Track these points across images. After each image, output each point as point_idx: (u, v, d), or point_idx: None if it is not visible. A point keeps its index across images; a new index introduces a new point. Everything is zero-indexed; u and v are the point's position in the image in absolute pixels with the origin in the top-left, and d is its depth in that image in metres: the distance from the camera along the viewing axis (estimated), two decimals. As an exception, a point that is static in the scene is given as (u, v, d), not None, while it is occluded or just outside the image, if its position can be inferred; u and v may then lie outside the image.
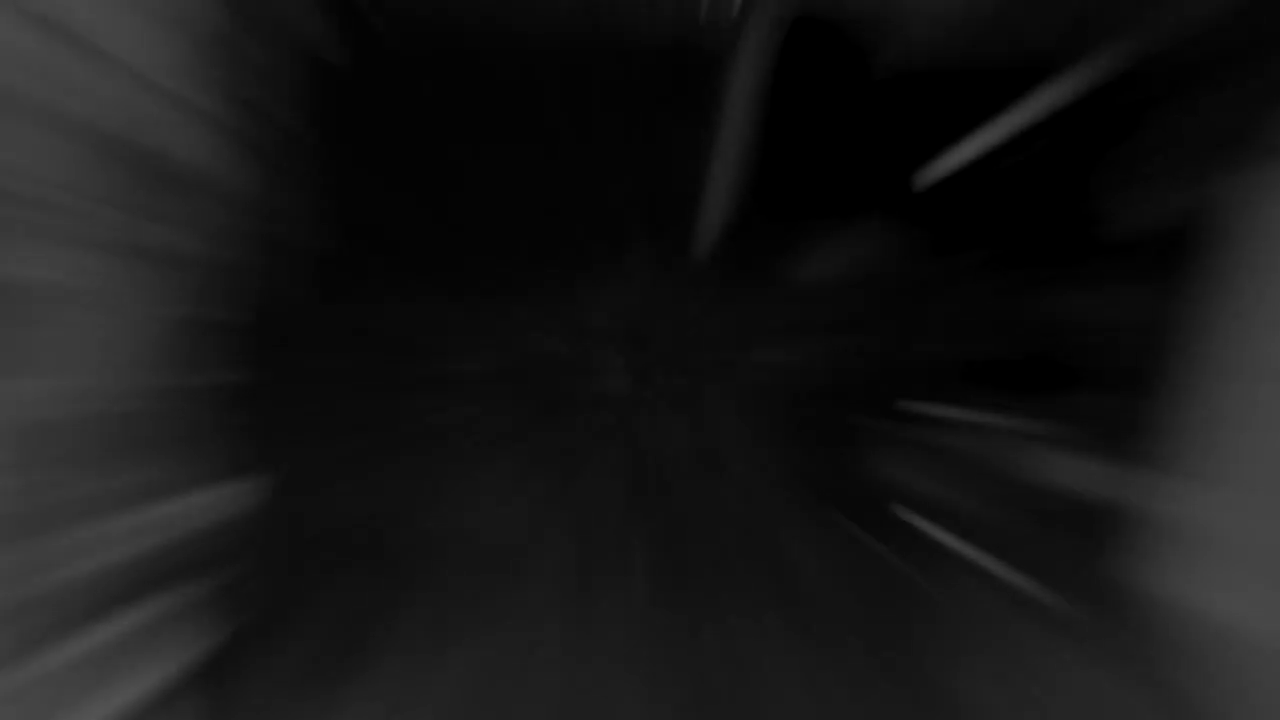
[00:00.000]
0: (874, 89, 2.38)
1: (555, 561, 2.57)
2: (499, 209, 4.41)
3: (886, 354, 3.13)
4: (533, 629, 2.58)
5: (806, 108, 3.52)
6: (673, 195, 4.30)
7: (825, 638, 2.61)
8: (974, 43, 2.51)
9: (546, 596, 2.59)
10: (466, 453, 2.91)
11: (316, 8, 3.16)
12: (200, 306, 2.60)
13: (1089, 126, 2.81)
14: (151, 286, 2.33)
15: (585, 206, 4.36)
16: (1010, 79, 2.69)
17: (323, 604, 2.57)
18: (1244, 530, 2.20)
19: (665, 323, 3.57)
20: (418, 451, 2.92)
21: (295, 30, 3.05)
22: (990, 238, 3.28)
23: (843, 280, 3.59)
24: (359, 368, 3.23)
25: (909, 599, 2.67)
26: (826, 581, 2.62)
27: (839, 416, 2.86)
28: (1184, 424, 2.18)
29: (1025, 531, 2.68)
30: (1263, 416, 2.12)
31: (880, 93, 2.39)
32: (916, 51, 2.44)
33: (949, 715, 2.60)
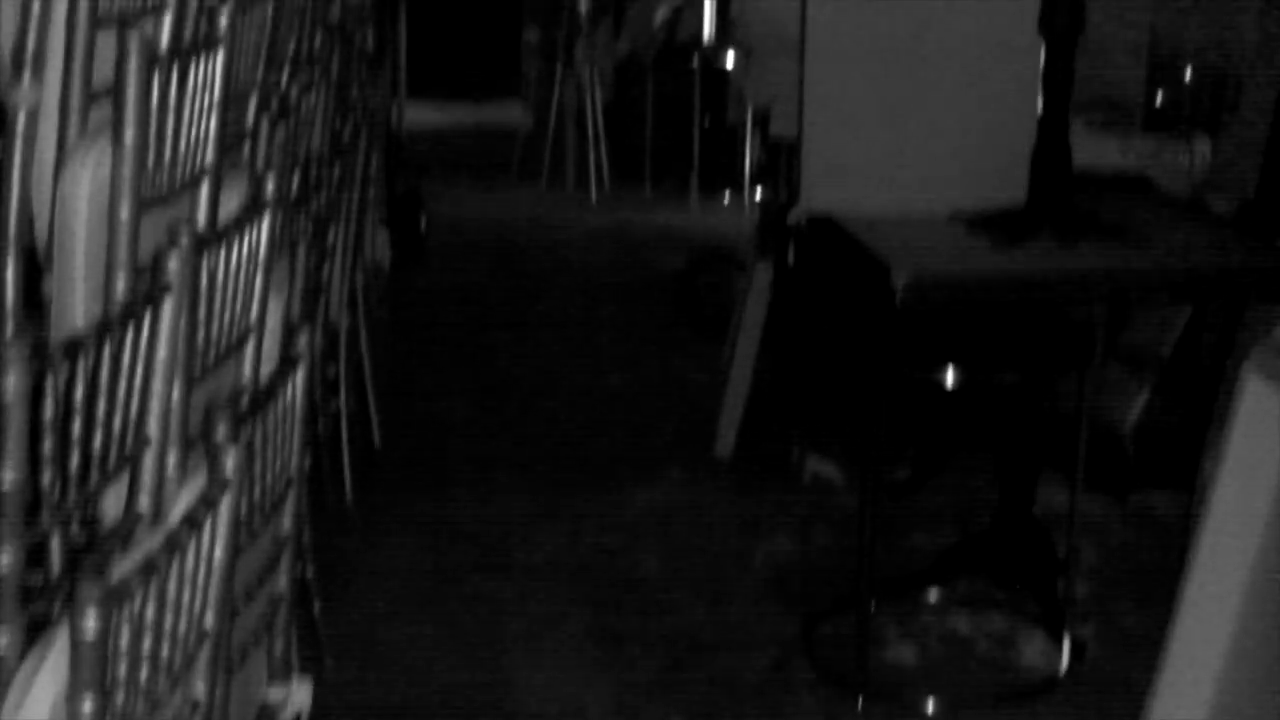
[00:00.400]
0: (889, 308, 2.78)
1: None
2: (547, 414, 4.96)
3: (889, 543, 3.61)
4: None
5: (824, 321, 4.04)
6: (698, 403, 4.85)
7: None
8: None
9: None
10: (524, 631, 3.37)
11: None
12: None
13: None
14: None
15: (622, 413, 4.92)
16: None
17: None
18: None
19: (691, 514, 4.10)
20: (481, 631, 3.38)
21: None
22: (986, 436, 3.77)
23: (850, 477, 4.11)
24: (427, 555, 3.71)
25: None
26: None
27: (846, 600, 3.33)
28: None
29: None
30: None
31: (894, 311, 2.80)
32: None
33: None
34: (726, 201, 7.98)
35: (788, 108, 3.69)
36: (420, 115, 9.49)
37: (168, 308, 1.52)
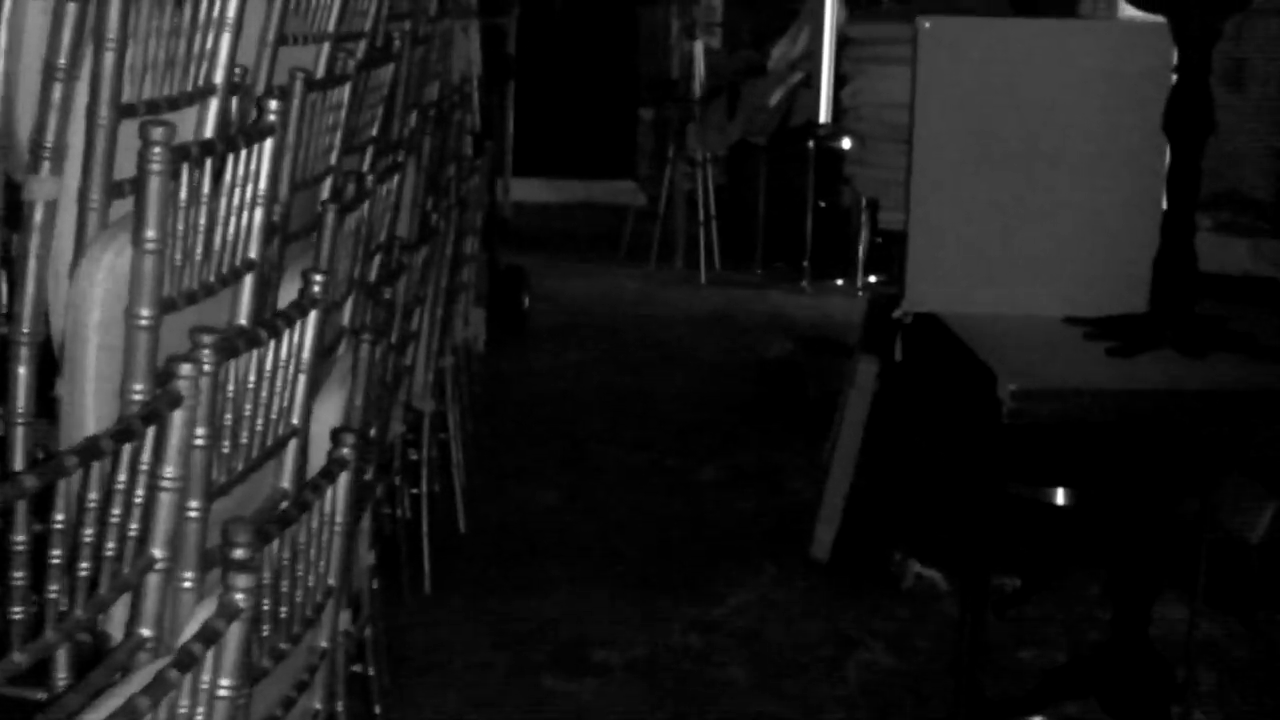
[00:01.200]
0: (995, 419, 2.59)
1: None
2: (639, 505, 4.80)
3: (993, 659, 3.40)
4: None
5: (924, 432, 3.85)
6: (796, 499, 4.66)
7: None
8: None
9: None
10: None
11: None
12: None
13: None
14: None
15: (716, 507, 4.74)
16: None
17: None
18: None
19: (783, 618, 3.91)
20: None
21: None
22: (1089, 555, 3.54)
23: (956, 584, 3.89)
24: (503, 651, 3.56)
25: None
26: None
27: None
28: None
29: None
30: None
31: (1000, 423, 2.61)
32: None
33: None
34: (839, 286, 7.81)
35: (898, 197, 3.53)
36: (532, 192, 9.45)
37: (177, 420, 1.39)
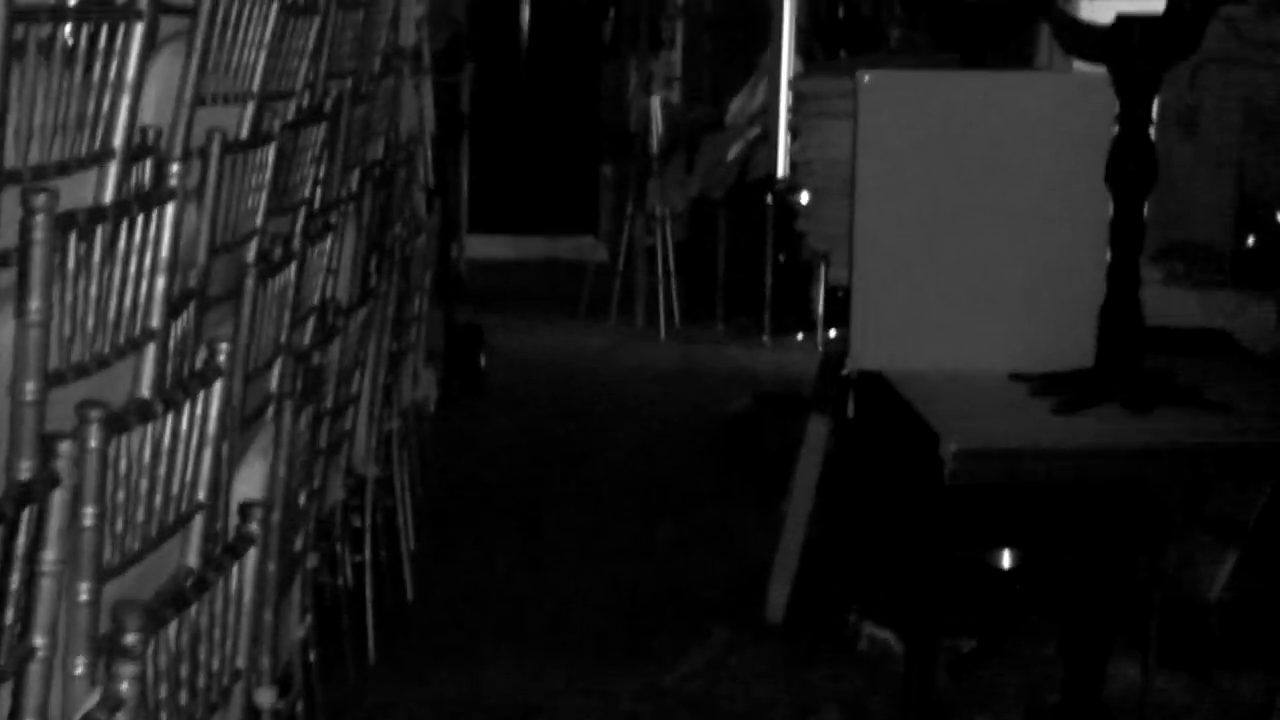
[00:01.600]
0: (938, 480, 2.53)
1: None
2: (591, 569, 4.72)
3: None
4: None
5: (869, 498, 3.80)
6: (750, 559, 4.59)
7: None
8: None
9: None
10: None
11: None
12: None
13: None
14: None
15: (670, 569, 4.66)
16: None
17: None
18: None
19: (736, 683, 3.83)
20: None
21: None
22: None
23: (896, 645, 3.83)
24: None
25: None
26: None
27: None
28: None
29: None
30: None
31: (943, 485, 2.55)
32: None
33: None
34: (800, 341, 7.76)
35: (846, 253, 3.49)
36: (493, 248, 9.40)
37: (57, 501, 1.33)
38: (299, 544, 2.60)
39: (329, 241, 2.94)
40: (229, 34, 2.28)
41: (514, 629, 4.12)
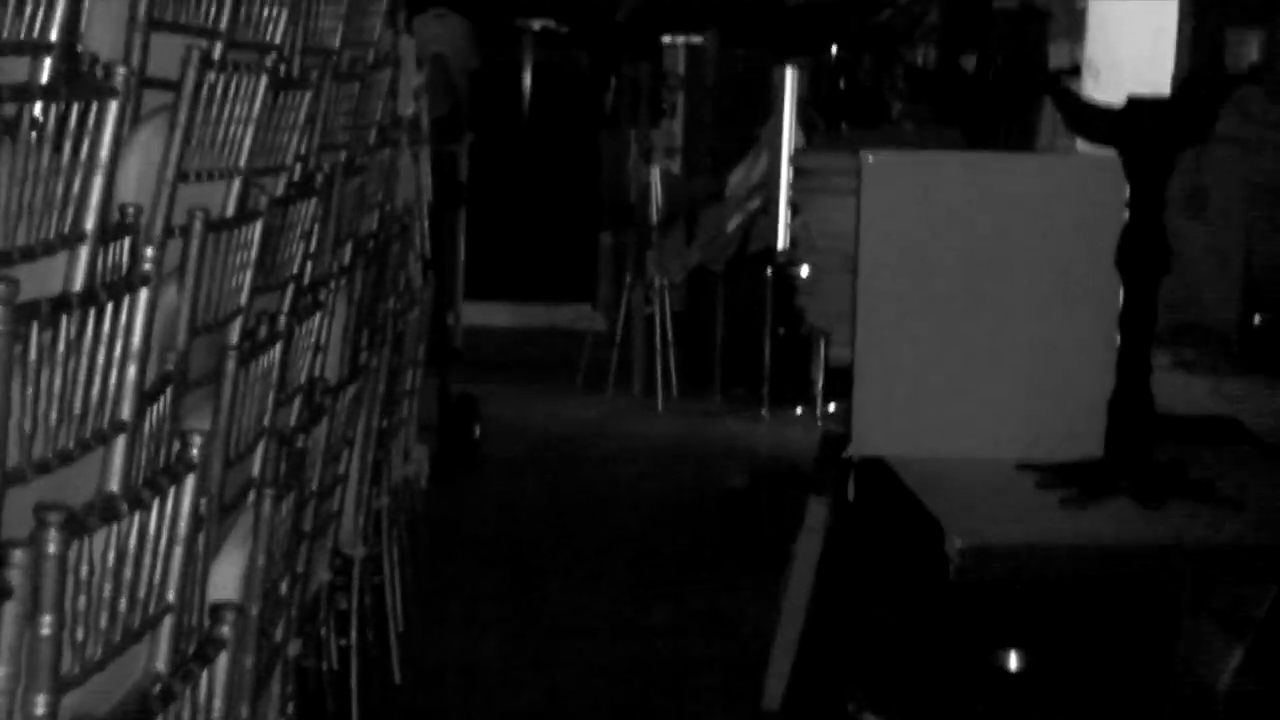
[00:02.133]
0: (943, 576, 2.44)
1: None
2: (584, 653, 4.61)
3: None
4: None
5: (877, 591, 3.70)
6: (748, 644, 4.48)
7: None
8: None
9: None
10: None
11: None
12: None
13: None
14: None
15: (665, 654, 4.55)
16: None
17: None
18: None
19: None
20: None
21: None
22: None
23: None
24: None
25: None
26: None
27: None
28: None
29: None
30: None
31: (948, 581, 2.46)
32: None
33: None
34: (798, 415, 7.68)
35: (847, 332, 3.41)
36: (490, 316, 9.34)
37: (9, 613, 1.24)
38: (279, 634, 2.50)
39: (317, 318, 2.86)
40: (214, 109, 2.22)
41: (504, 714, 4.02)
